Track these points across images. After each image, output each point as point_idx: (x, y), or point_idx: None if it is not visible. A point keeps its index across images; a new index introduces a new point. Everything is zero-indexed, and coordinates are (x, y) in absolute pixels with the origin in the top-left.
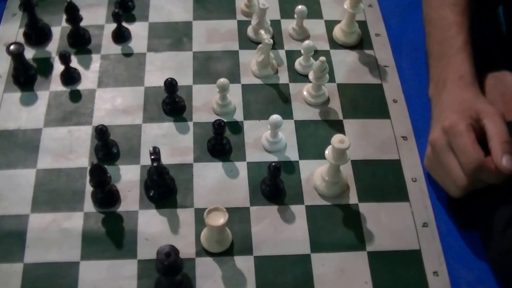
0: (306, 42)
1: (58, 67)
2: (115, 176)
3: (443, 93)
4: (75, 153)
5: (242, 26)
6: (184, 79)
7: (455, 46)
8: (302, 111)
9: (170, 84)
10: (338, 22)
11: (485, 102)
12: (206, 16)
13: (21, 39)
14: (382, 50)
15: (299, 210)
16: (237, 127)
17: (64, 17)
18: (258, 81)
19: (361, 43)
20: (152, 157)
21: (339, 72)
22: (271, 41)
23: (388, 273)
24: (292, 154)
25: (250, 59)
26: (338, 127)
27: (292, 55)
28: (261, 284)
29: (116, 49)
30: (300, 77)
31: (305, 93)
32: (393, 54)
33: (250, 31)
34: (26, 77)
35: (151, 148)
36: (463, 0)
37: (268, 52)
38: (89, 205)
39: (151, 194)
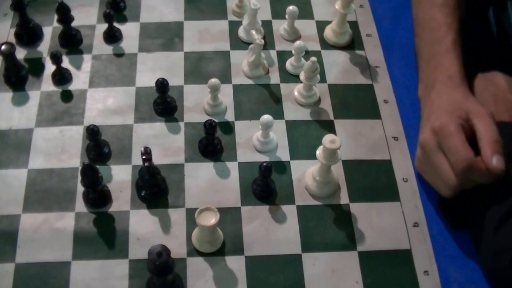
0: (297, 42)
1: (50, 67)
2: (106, 176)
3: (432, 94)
4: (66, 153)
5: (234, 26)
6: (176, 79)
7: (444, 47)
8: (293, 111)
9: (162, 84)
10: (329, 22)
11: (474, 102)
12: (198, 16)
13: (12, 39)
14: (373, 51)
15: (290, 210)
16: (228, 127)
17: (56, 17)
18: (249, 82)
19: (352, 44)
20: (144, 157)
21: (330, 72)
22: (263, 41)
23: (379, 272)
24: (283, 154)
25: (241, 60)
26: (329, 127)
27: (283, 56)
28: (252, 284)
29: (108, 49)
30: (291, 77)
31: (296, 93)
32: (384, 54)
33: (241, 32)
34: (17, 77)
35: (143, 148)
36: (452, 1)
37: (260, 52)
38: (80, 205)
39: (142, 194)
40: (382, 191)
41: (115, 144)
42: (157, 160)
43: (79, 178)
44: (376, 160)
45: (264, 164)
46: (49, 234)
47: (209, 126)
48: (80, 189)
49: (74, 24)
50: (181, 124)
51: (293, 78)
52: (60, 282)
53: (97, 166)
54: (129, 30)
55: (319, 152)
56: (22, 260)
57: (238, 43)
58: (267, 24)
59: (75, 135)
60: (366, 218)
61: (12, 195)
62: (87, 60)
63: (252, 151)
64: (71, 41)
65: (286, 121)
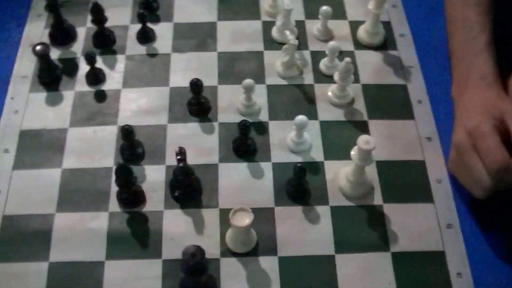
0: (331, 43)
1: (83, 68)
2: (140, 176)
3: (466, 94)
4: (100, 153)
5: (267, 26)
6: (209, 79)
7: (477, 47)
8: (327, 112)
9: (196, 85)
10: (362, 22)
11: (509, 103)
12: (231, 16)
13: (46, 39)
14: (406, 51)
15: (323, 211)
16: (262, 128)
17: (89, 17)
18: (283, 82)
19: (385, 44)
20: (178, 157)
21: (363, 72)
22: (297, 41)
23: (412, 274)
24: (317, 154)
25: (274, 60)
26: (362, 127)
27: (316, 56)
28: (285, 284)
29: (141, 49)
30: (325, 77)
31: (330, 93)
32: (417, 54)
33: (274, 32)
34: (51, 77)
35: (177, 148)
36: (486, 0)
37: (293, 53)
38: (114, 205)
39: (176, 194)
40: (416, 192)
41: (148, 144)
42: (190, 160)
43: (113, 178)
44: (410, 161)
45: (298, 165)
46: (82, 233)
47: (244, 126)
48: (114, 189)
49: (107, 24)
50: (215, 124)
51: (327, 78)
52: (93, 282)
53: (131, 166)
54: (162, 30)
55: (353, 152)
56: (56, 260)
57: (272, 44)
58: (300, 24)
59: (108, 135)
60: (399, 219)
61: (46, 194)
62: (120, 61)
63: (286, 152)
64: (105, 42)
65: (320, 121)
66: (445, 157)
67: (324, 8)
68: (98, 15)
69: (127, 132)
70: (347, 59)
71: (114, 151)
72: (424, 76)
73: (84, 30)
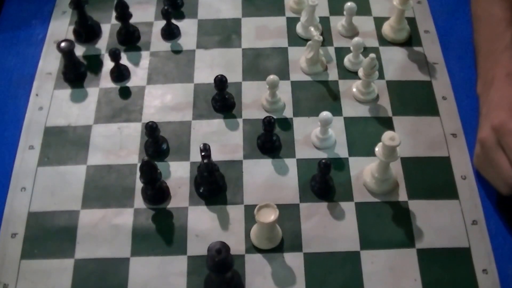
0: (356, 39)
1: (108, 64)
2: (165, 173)
3: (491, 91)
4: (125, 149)
5: (291, 23)
6: (233, 76)
7: (503, 43)
8: (352, 108)
9: (220, 81)
10: (387, 19)
11: None
12: (255, 13)
13: (71, 36)
14: (431, 47)
15: (348, 207)
16: (286, 124)
17: (114, 14)
18: (307, 78)
19: (410, 40)
20: (203, 153)
21: (388, 69)
22: (321, 38)
23: (437, 270)
24: (341, 151)
25: (299, 56)
26: (387, 124)
27: (341, 52)
28: (310, 280)
29: (165, 46)
30: (349, 74)
31: (354, 90)
32: (442, 51)
33: (299, 28)
34: (76, 74)
35: (202, 145)
36: None
37: (318, 49)
38: (139, 201)
39: (201, 191)
40: (441, 189)
41: (173, 141)
42: (215, 156)
43: (138, 174)
44: (435, 157)
45: (323, 161)
46: (107, 230)
47: (268, 123)
48: (139, 185)
49: (132, 21)
50: (239, 120)
51: (351, 74)
52: (118, 278)
53: (156, 163)
54: (187, 27)
55: (378, 149)
56: (81, 256)
57: (296, 40)
58: (324, 21)
59: (133, 132)
60: (424, 215)
61: (71, 191)
62: (145, 57)
63: (311, 148)
64: (129, 38)
65: (344, 117)
66: (470, 153)
67: (349, 4)
68: (123, 12)
69: (151, 129)
70: (372, 55)
71: (139, 147)
72: (449, 72)
73: (108, 27)
